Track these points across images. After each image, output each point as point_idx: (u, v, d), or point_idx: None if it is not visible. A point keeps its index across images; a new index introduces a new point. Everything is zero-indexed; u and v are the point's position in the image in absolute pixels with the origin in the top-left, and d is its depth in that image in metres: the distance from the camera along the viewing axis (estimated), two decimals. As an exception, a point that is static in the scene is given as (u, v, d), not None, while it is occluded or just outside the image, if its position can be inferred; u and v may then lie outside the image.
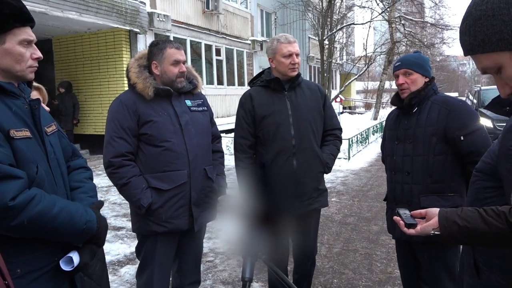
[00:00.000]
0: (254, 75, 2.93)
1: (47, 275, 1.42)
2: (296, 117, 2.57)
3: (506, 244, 1.17)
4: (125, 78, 2.48)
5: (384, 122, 2.77)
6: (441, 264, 2.28)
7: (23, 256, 1.37)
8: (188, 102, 2.43)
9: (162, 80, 2.34)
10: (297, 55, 2.59)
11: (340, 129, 2.83)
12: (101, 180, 7.38)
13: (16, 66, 1.41)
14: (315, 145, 2.64)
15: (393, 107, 2.52)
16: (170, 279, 2.55)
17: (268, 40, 2.79)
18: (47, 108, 1.95)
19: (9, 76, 1.42)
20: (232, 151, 3.34)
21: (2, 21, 1.34)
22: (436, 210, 1.31)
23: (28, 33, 1.42)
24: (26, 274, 1.36)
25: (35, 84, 1.96)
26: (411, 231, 1.34)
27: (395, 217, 1.42)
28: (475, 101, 12.42)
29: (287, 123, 2.55)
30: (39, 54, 1.47)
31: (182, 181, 2.30)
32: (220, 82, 14.05)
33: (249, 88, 2.76)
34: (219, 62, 14.13)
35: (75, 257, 1.45)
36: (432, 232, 1.29)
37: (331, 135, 2.77)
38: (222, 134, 2.69)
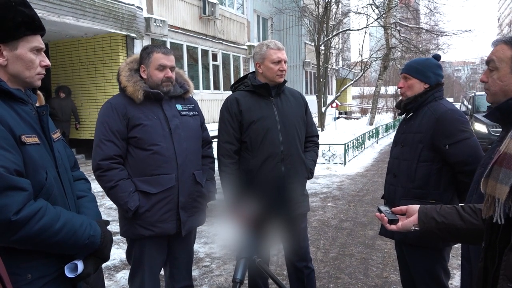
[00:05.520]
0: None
1: (55, 281, 1.43)
2: (283, 123, 2.59)
3: (480, 240, 1.21)
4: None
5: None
6: (422, 265, 2.32)
7: (35, 262, 1.37)
8: (179, 107, 2.43)
9: (149, 84, 2.35)
10: (285, 61, 2.61)
11: (318, 136, 2.89)
12: (97, 184, 7.34)
13: (26, 72, 1.43)
14: (301, 151, 2.67)
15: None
16: (163, 284, 2.54)
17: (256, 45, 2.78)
18: None
19: (17, 82, 1.44)
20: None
21: (14, 28, 1.38)
22: (416, 207, 1.40)
23: (38, 41, 1.46)
24: (36, 280, 1.37)
25: None
26: (393, 227, 1.42)
27: (377, 214, 1.50)
28: (469, 106, 12.51)
29: (275, 129, 2.56)
30: (47, 62, 1.50)
31: (170, 184, 2.30)
32: (216, 87, 14.08)
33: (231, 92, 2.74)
34: (216, 67, 14.17)
35: (80, 264, 1.46)
36: (413, 228, 1.37)
37: (310, 141, 2.82)
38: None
